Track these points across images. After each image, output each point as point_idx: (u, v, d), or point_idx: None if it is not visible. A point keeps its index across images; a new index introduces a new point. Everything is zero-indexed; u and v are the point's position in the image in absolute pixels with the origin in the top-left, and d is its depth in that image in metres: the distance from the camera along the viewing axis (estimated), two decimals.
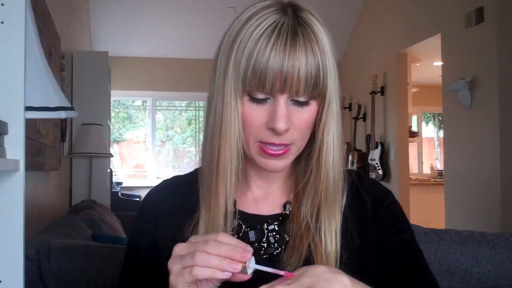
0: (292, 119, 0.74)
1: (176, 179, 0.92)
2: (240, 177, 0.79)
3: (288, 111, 0.73)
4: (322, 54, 0.72)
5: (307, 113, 0.75)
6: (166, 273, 0.73)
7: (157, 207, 0.86)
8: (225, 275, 0.63)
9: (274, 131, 0.73)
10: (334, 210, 0.79)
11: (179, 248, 0.66)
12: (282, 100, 0.72)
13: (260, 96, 0.73)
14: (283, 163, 0.77)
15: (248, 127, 0.75)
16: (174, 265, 0.65)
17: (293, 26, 0.72)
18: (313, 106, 0.75)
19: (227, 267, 0.62)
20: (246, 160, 0.79)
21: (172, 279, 0.65)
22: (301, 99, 0.73)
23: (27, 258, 1.30)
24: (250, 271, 0.63)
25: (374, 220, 0.82)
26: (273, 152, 0.75)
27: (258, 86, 0.71)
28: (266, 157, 0.76)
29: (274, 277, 0.64)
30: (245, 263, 0.63)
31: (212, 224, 0.77)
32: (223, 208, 0.77)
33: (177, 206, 0.85)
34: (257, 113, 0.74)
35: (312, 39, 0.72)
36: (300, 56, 0.70)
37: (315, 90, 0.73)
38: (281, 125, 0.72)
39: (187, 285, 0.64)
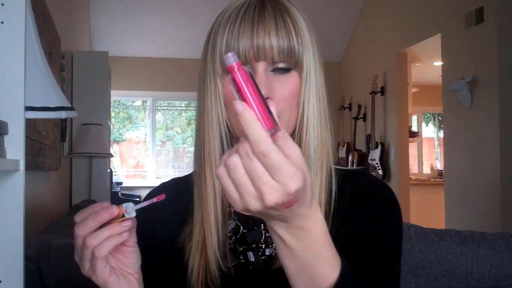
0: (275, 89, 0.73)
1: (174, 182, 0.91)
2: None
3: (268, 80, 0.72)
4: (294, 22, 0.73)
5: (289, 82, 0.74)
6: (161, 280, 0.72)
7: (155, 213, 0.84)
8: (124, 236, 0.65)
9: None
10: (315, 187, 0.75)
11: (75, 255, 0.67)
12: (260, 68, 0.72)
13: None
14: None
15: (231, 106, 0.73)
16: (85, 267, 0.66)
17: (261, 1, 0.74)
18: (295, 76, 0.74)
19: (118, 229, 0.64)
20: None
21: (92, 276, 0.66)
22: (281, 65, 0.73)
23: (27, 258, 1.29)
24: (133, 214, 0.66)
25: (355, 210, 0.77)
26: None
27: None
28: None
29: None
30: (123, 214, 0.65)
31: (206, 227, 0.75)
32: (214, 210, 0.75)
33: (175, 210, 0.83)
34: None
35: (281, 8, 0.73)
36: (270, 22, 0.72)
37: (291, 56, 0.72)
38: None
39: (106, 269, 0.66)
